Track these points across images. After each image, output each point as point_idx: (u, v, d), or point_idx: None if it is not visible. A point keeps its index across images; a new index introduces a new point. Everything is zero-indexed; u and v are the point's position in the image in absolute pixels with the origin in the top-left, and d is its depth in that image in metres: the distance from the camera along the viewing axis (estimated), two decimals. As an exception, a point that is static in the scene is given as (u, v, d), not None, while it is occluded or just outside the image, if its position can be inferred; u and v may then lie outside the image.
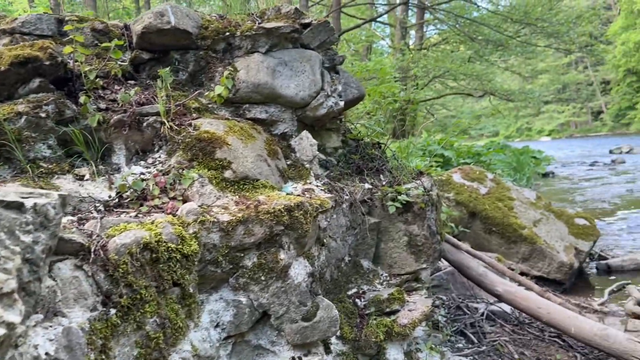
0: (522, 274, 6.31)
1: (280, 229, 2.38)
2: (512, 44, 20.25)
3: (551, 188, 15.43)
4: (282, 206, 2.41)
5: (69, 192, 2.29)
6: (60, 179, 2.36)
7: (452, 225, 6.39)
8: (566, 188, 15.18)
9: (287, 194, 2.90)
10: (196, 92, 2.94)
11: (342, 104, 3.60)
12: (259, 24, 3.26)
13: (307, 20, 3.41)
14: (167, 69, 2.90)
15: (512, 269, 6.37)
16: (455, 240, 4.93)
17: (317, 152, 3.47)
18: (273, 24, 3.20)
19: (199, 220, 2.15)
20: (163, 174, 2.52)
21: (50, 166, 2.37)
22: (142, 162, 2.68)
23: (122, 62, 3.07)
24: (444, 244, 4.99)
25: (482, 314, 4.73)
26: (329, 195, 3.19)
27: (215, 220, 2.21)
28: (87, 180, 2.42)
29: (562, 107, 46.03)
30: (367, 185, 3.65)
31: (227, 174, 2.61)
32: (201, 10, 3.45)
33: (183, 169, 2.51)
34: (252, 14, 3.49)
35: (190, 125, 2.74)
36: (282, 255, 2.38)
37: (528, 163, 17.23)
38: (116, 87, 2.88)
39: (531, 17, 17.51)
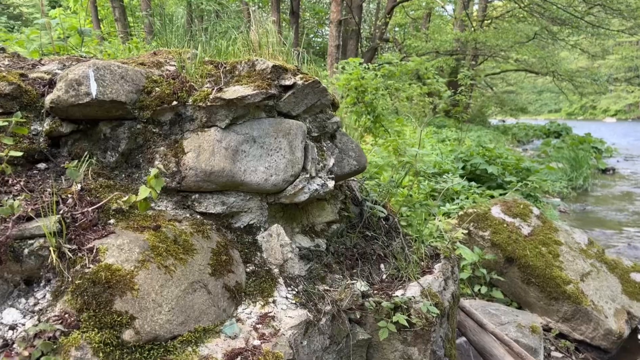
0: (561, 335, 5.35)
1: None
2: (581, 24, 18.26)
3: (609, 191, 13.97)
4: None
5: None
6: None
7: (484, 271, 5.44)
8: (625, 192, 13.70)
9: (228, 336, 2.11)
10: (110, 197, 2.12)
11: (331, 184, 2.72)
12: (219, 89, 2.39)
13: (288, 82, 2.51)
14: (74, 163, 2.10)
15: (550, 328, 5.42)
16: (480, 318, 4.03)
17: (292, 250, 2.63)
18: (237, 93, 2.33)
19: None
20: (36, 337, 1.76)
21: None
22: (24, 302, 1.92)
23: (33, 136, 2.29)
24: (466, 321, 4.10)
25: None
26: (301, 313, 2.38)
27: None
28: None
29: (632, 87, 42.52)
30: (359, 287, 2.79)
31: (127, 335, 1.82)
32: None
33: (62, 332, 1.74)
34: (221, 66, 2.62)
35: (91, 251, 1.95)
36: None
37: (587, 159, 15.71)
38: (13, 181, 2.11)
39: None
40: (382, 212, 3.10)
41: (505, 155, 7.99)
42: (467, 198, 6.53)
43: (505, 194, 7.05)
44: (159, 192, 2.11)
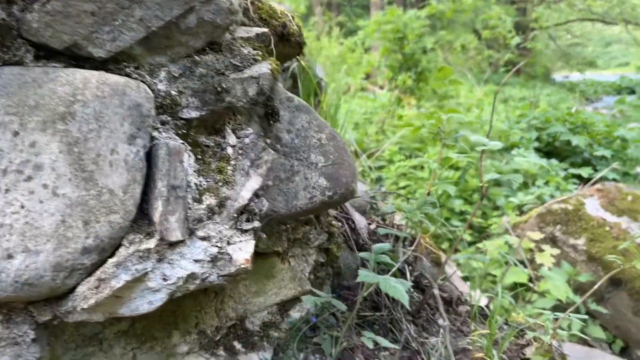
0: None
1: None
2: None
3: None
4: None
5: None
6: None
7: (577, 299, 3.54)
8: None
9: None
10: None
11: (244, 254, 0.91)
12: None
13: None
14: None
15: (679, 385, 3.50)
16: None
17: None
18: None
19: None
20: None
21: None
22: None
23: None
24: None
25: None
26: None
27: None
28: None
29: None
30: None
31: None
32: None
33: None
34: None
35: None
36: None
37: (675, 118, 13.04)
38: None
39: None
40: (397, 288, 1.24)
41: (592, 121, 5.86)
42: (547, 183, 4.55)
43: (595, 174, 5.03)
44: None
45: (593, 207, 3.94)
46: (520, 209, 4.29)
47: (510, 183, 3.77)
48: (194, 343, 1.16)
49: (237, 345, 1.26)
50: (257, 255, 1.30)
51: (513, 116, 5.96)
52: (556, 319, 1.60)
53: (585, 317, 1.62)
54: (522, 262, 3.57)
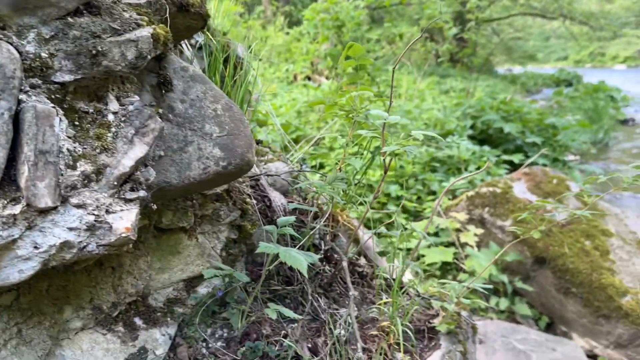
0: (613, 367, 3.65)
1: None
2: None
3: (633, 145, 12.00)
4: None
5: None
6: None
7: (504, 278, 3.70)
8: (652, 145, 11.72)
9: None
10: None
11: (125, 222, 0.89)
12: None
13: None
14: None
15: (596, 355, 3.73)
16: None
17: None
18: None
19: None
20: None
21: None
22: None
23: None
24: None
25: None
26: None
27: None
28: None
29: (643, 32, 39.21)
30: None
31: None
32: None
33: None
34: None
35: None
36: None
37: (606, 108, 13.68)
38: None
39: None
40: (296, 258, 1.24)
41: (526, 110, 6.07)
42: (479, 168, 4.69)
43: (526, 160, 5.23)
44: None
45: (520, 190, 4.09)
46: (454, 194, 4.41)
47: (446, 168, 3.85)
48: (89, 319, 1.13)
49: (138, 322, 1.23)
50: (162, 231, 1.28)
51: (450, 105, 6.09)
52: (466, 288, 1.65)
53: (490, 286, 1.68)
54: (452, 244, 3.67)
